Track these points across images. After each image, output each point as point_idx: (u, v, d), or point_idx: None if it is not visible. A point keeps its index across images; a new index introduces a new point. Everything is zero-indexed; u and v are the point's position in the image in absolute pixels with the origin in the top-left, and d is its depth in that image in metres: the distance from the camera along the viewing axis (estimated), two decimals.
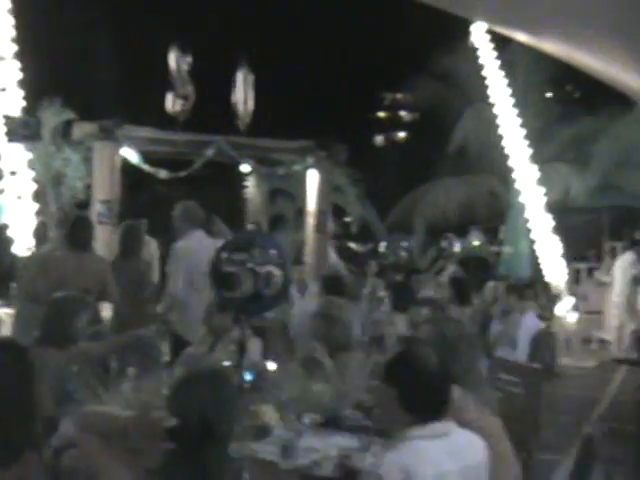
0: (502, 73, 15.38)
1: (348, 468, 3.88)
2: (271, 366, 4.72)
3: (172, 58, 10.79)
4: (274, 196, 17.53)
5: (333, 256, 12.38)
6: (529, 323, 8.55)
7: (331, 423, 4.68)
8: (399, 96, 53.66)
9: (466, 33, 15.50)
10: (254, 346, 5.46)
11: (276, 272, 4.59)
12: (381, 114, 56.40)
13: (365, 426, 4.50)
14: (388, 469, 3.07)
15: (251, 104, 11.19)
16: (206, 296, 6.31)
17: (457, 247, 13.91)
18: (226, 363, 4.77)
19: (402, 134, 53.70)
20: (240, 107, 11.10)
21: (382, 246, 12.82)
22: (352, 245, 21.87)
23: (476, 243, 17.39)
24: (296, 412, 4.66)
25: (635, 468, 7.07)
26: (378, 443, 4.03)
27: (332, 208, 12.83)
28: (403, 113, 54.52)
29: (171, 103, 10.78)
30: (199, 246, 7.37)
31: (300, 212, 13.80)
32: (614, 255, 16.35)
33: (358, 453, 4.07)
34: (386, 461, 3.12)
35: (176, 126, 10.83)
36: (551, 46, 13.26)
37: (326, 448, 4.19)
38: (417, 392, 3.19)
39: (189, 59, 10.88)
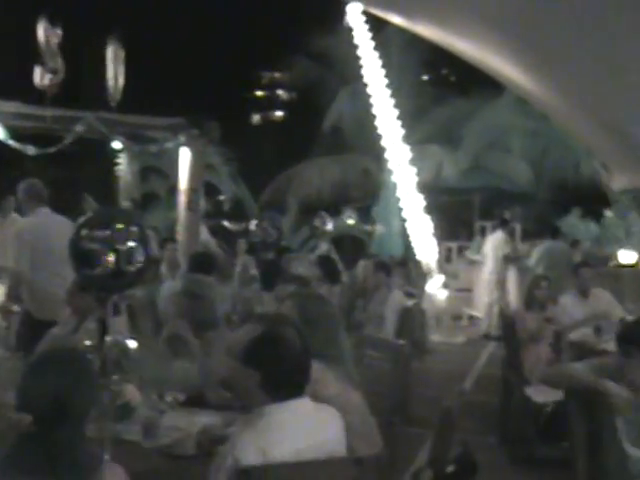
0: (377, 54, 15.48)
1: (209, 447, 3.84)
2: (132, 344, 4.61)
3: (41, 30, 10.42)
4: (146, 174, 17.26)
5: (205, 234, 12.29)
6: (397, 300, 8.66)
7: (195, 401, 4.63)
8: (277, 75, 53.58)
9: (342, 14, 15.54)
10: (118, 325, 5.35)
11: (138, 248, 4.49)
12: (259, 93, 56.22)
13: (229, 404, 4.46)
14: (242, 445, 3.04)
15: (121, 80, 10.90)
16: (54, 274, 6.18)
17: (330, 226, 13.98)
18: (87, 342, 4.65)
19: (279, 113, 53.67)
20: (110, 83, 10.82)
21: (253, 224, 12.78)
22: (225, 223, 21.76)
23: (349, 222, 17.58)
24: (159, 391, 4.60)
25: (498, 440, 7.30)
26: (240, 420, 4.00)
27: (205, 186, 12.69)
28: (280, 92, 54.46)
29: (39, 77, 10.42)
30: (44, 223, 7.18)
31: (172, 190, 13.63)
32: (484, 234, 16.76)
33: (221, 431, 4.03)
34: (242, 440, 3.09)
35: (45, 101, 10.49)
36: (424, 29, 13.43)
37: (189, 427, 4.13)
38: (280, 375, 3.16)
39: (59, 32, 10.53)
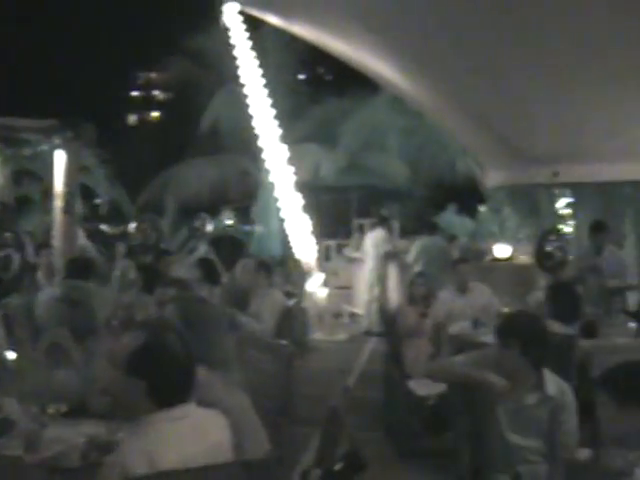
0: (253, 54, 15.44)
1: (95, 457, 3.74)
2: (10, 355, 4.46)
3: None
4: (20, 177, 16.77)
5: (82, 238, 12.00)
6: (278, 299, 8.65)
7: (78, 411, 4.50)
8: (153, 75, 52.94)
9: (219, 13, 15.44)
10: None
11: (14, 255, 4.35)
12: (135, 93, 55.42)
13: (113, 413, 4.36)
14: (129, 454, 2.97)
15: None
16: None
17: (210, 227, 13.88)
18: None
19: (156, 114, 53.01)
20: None
21: (132, 227, 12.57)
22: (103, 227, 21.34)
23: (228, 222, 17.50)
24: (40, 402, 4.45)
25: (383, 435, 7.38)
26: (126, 429, 3.92)
27: (81, 189, 12.39)
28: (157, 92, 53.80)
29: None
30: None
31: (47, 194, 13.27)
32: (362, 232, 16.93)
33: (107, 441, 3.93)
34: (129, 449, 3.02)
35: None
36: (300, 29, 13.49)
37: (73, 438, 4.02)
38: (165, 382, 3.10)
39: None
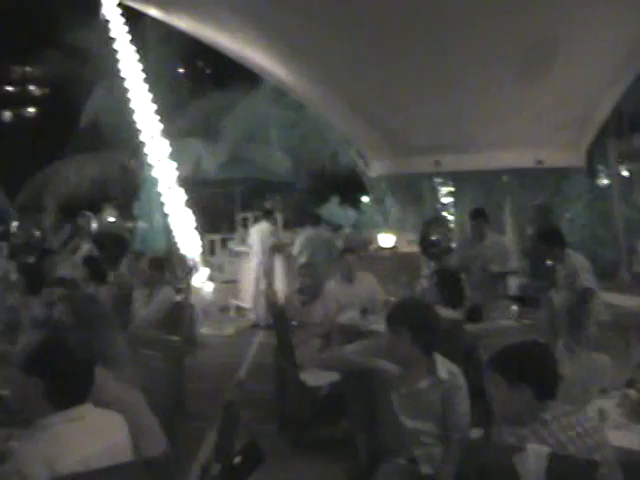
0: (133, 47, 15.20)
1: None
2: None
3: None
4: None
5: None
6: (166, 296, 8.57)
7: None
8: (28, 69, 51.44)
9: (98, 6, 15.13)
10: None
11: None
12: (9, 88, 53.76)
13: (8, 418, 4.24)
14: (27, 461, 2.90)
15: None
16: None
17: (93, 224, 13.63)
18: None
19: (32, 109, 51.57)
20: None
21: (14, 227, 12.24)
22: None
23: (110, 219, 17.21)
24: None
25: (278, 426, 7.40)
26: (21, 435, 3.81)
27: None
28: (33, 87, 52.32)
29: None
30: None
31: None
32: (246, 225, 16.92)
33: (1, 448, 3.82)
34: (26, 455, 2.95)
35: None
36: (180, 21, 13.32)
37: None
38: (64, 381, 3.06)
39: None
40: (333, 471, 5.36)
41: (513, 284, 10.49)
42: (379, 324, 6.99)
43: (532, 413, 3.33)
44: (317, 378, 6.87)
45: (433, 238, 11.82)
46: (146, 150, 15.32)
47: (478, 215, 9.48)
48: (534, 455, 3.11)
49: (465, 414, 4.21)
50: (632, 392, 4.37)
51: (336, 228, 16.80)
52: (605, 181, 20.90)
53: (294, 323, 7.66)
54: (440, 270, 7.74)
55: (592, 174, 19.85)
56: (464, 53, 10.39)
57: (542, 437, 3.26)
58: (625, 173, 21.39)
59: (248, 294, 14.72)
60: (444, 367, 4.24)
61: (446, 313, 5.81)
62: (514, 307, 8.04)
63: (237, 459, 3.49)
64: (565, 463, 3.13)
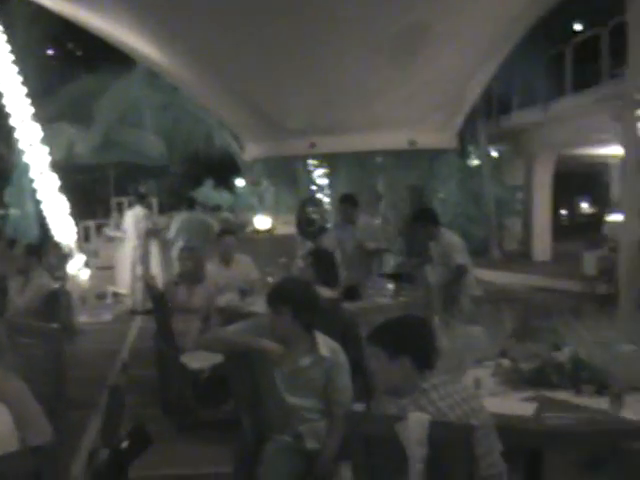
0: (0, 28, 14.74)
1: None
2: None
3: None
4: None
5: None
6: (41, 283, 8.43)
7: None
8: None
9: None
10: None
11: None
12: None
13: None
14: None
15: None
16: None
17: None
18: None
19: None
20: None
21: None
22: None
23: None
24: None
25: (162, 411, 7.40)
26: None
27: None
28: None
29: None
30: None
31: None
32: (121, 210, 16.71)
33: None
34: None
35: None
36: (48, 1, 12.96)
37: None
38: None
39: None
40: (220, 451, 5.42)
41: (389, 263, 10.71)
42: (258, 305, 7.09)
43: (412, 383, 3.46)
44: (198, 361, 6.91)
45: (308, 218, 11.98)
46: (17, 135, 14.95)
47: (345, 200, 9.59)
48: (415, 423, 3.25)
49: (347, 389, 4.34)
50: (505, 361, 4.62)
51: (213, 210, 16.77)
52: (476, 161, 21.57)
53: (174, 307, 7.66)
54: (315, 250, 7.83)
55: (463, 155, 20.45)
56: (337, 38, 10.54)
57: (422, 406, 3.39)
58: (494, 153, 22.10)
59: (125, 280, 14.57)
60: (325, 344, 4.36)
61: (324, 292, 5.91)
62: (390, 285, 8.24)
63: (124, 443, 3.52)
64: (445, 429, 3.27)
